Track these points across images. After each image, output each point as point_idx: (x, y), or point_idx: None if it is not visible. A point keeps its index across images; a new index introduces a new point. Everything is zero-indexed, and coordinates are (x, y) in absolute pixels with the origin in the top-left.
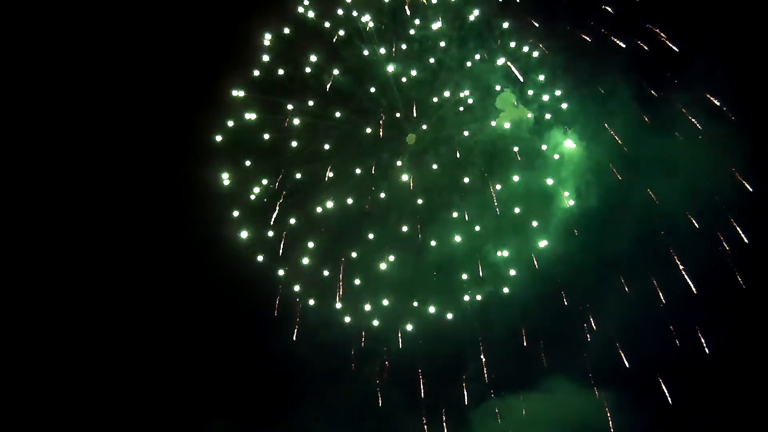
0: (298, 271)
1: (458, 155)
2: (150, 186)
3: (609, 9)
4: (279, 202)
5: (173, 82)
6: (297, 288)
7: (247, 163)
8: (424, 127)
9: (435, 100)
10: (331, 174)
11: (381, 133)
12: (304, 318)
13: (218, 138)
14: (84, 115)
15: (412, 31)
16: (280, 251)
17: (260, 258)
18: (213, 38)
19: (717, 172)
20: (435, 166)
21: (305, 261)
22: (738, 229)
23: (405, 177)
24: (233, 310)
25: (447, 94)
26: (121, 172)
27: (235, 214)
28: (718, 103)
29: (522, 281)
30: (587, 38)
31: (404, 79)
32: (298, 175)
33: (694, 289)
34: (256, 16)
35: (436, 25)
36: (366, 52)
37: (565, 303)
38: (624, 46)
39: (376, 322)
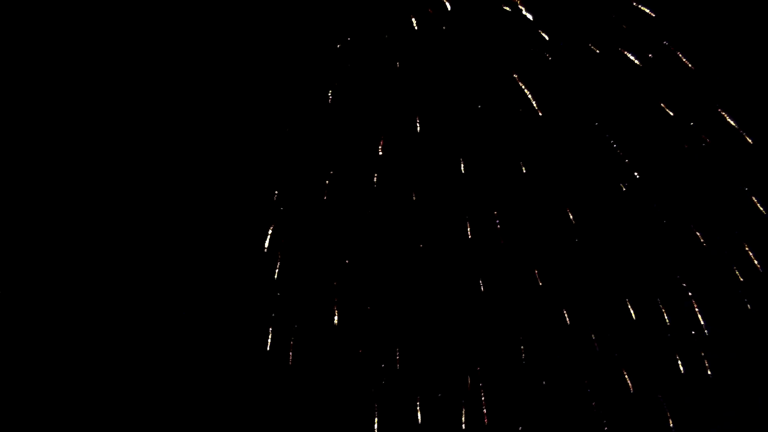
0: (292, 296)
1: (463, 170)
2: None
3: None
4: (271, 222)
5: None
6: (291, 314)
7: (235, 176)
8: (430, 138)
9: (442, 110)
10: (329, 190)
11: (381, 146)
12: (298, 346)
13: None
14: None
15: (419, 37)
16: (275, 274)
17: (251, 282)
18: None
19: (731, 196)
20: (441, 182)
21: (301, 286)
22: (752, 256)
23: (408, 193)
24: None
25: (454, 105)
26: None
27: (221, 233)
28: (734, 124)
29: (525, 300)
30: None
31: (410, 86)
32: (293, 192)
33: (700, 317)
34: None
35: (445, 36)
36: (370, 58)
37: (568, 323)
38: (639, 63)
39: (373, 348)
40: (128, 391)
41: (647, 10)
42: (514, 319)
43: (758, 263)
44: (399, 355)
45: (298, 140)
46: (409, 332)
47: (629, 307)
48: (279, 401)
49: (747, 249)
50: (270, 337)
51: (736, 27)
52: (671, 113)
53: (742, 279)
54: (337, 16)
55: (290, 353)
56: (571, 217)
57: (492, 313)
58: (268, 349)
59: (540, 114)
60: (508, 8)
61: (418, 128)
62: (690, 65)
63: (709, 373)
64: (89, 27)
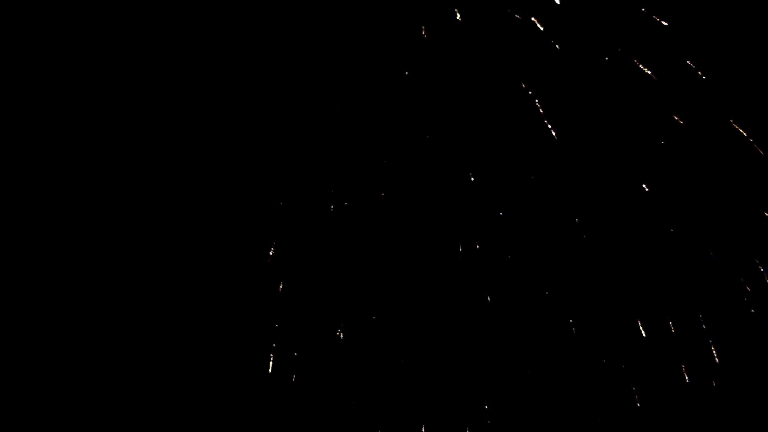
0: (295, 317)
1: (472, 178)
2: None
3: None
4: (275, 234)
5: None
6: (295, 328)
7: (238, 187)
8: (438, 149)
9: (450, 119)
10: (333, 203)
11: (388, 157)
12: (301, 359)
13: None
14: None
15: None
16: (279, 287)
17: (251, 302)
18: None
19: (741, 207)
20: (448, 193)
21: (304, 306)
22: (762, 270)
23: (415, 204)
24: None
25: (462, 113)
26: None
27: (219, 249)
28: (744, 134)
29: (529, 312)
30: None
31: (418, 95)
32: (295, 204)
33: (704, 326)
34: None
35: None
36: (378, 66)
37: (574, 332)
38: (651, 74)
39: (378, 362)
40: (125, 405)
41: (656, 18)
42: (520, 332)
43: (765, 272)
44: (404, 368)
45: (304, 151)
46: (414, 344)
47: (635, 314)
48: (281, 419)
49: (756, 261)
50: (273, 347)
51: (750, 36)
52: (681, 121)
53: (748, 288)
54: (345, 24)
55: (293, 362)
56: (577, 220)
57: (498, 324)
58: (271, 362)
59: (547, 123)
60: (518, 16)
61: (427, 137)
62: (702, 75)
63: (713, 383)
64: (89, 27)
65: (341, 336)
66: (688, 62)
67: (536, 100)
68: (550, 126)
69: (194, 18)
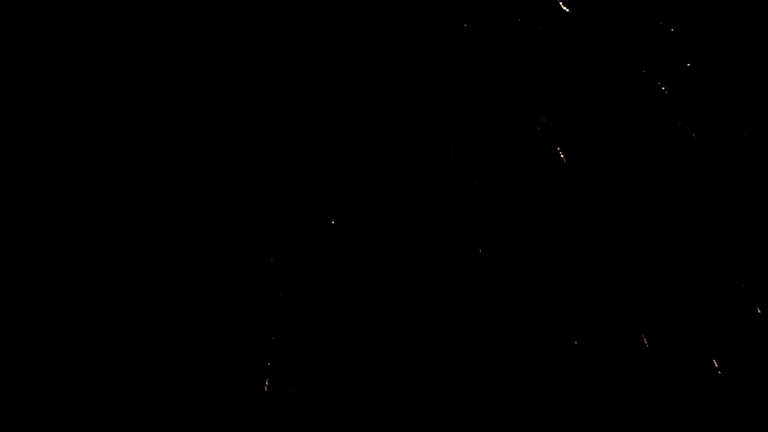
0: (291, 337)
1: (476, 183)
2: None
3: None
4: (270, 255)
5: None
6: (294, 336)
7: (225, 194)
8: (442, 147)
9: (454, 126)
10: (335, 216)
11: (386, 160)
12: (299, 368)
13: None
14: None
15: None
16: (276, 305)
17: (245, 319)
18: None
19: (749, 222)
20: (452, 197)
21: (302, 326)
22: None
23: (419, 215)
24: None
25: (465, 117)
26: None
27: (214, 262)
28: (747, 135)
29: (531, 320)
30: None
31: (423, 105)
32: (294, 216)
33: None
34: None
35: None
36: (384, 77)
37: (575, 342)
38: (662, 86)
39: (375, 377)
40: (118, 412)
41: (662, 23)
42: (520, 338)
43: None
44: (405, 377)
45: (305, 154)
46: (415, 350)
47: (637, 323)
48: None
49: (758, 267)
50: (271, 355)
51: (760, 45)
52: (692, 133)
53: (751, 293)
54: (353, 36)
55: (291, 373)
56: (580, 226)
57: (499, 331)
58: (268, 372)
59: (547, 126)
60: (519, 19)
61: (432, 145)
62: (712, 85)
63: (714, 390)
64: (89, 27)
65: (340, 342)
66: (691, 66)
67: (540, 107)
68: (549, 129)
69: (194, 18)
